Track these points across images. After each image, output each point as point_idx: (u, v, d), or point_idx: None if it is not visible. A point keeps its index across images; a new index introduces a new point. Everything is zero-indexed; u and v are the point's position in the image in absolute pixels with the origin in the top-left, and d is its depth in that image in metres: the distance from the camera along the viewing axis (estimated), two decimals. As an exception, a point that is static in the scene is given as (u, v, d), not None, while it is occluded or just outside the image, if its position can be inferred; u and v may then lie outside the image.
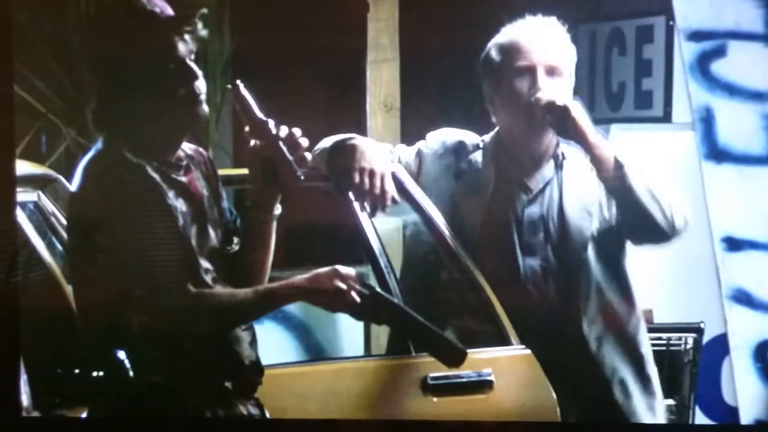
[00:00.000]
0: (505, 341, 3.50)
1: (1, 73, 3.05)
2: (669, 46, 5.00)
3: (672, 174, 4.76)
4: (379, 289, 3.03)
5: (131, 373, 2.79)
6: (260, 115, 2.93)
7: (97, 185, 2.84)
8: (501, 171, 3.64)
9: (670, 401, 4.29)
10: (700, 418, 4.64)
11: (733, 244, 4.65)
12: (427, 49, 5.33)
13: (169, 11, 2.90)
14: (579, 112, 3.51)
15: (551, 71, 3.58)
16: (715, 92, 4.67)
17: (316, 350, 4.97)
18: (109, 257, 2.77)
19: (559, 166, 3.64)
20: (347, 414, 3.26)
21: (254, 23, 5.20)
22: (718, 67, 4.65)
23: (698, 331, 4.37)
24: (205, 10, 2.92)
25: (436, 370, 3.31)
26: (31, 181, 3.63)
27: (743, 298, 4.64)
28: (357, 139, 3.52)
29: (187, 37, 2.88)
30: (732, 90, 4.65)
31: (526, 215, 3.60)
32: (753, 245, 4.64)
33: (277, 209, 2.98)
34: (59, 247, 3.55)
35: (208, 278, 2.88)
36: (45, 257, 3.41)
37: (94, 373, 2.87)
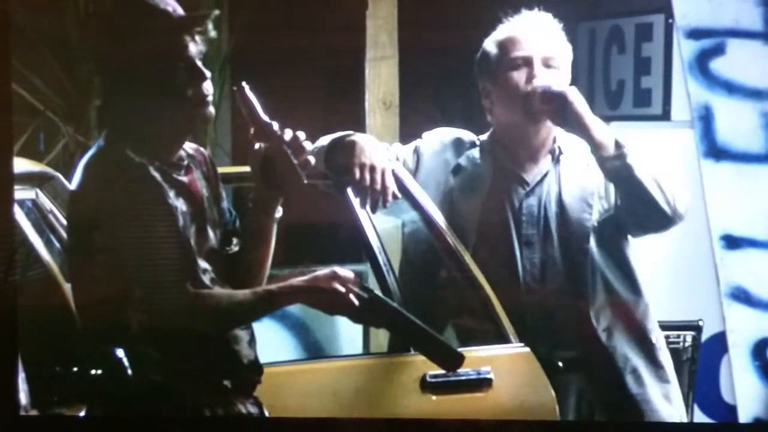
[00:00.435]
0: (504, 339, 3.50)
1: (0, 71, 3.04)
2: (668, 44, 4.99)
3: (671, 172, 4.78)
4: (377, 292, 3.03)
5: (130, 372, 2.79)
6: (265, 117, 2.92)
7: (98, 183, 2.83)
8: (498, 166, 3.64)
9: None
10: (699, 416, 4.64)
11: (732, 242, 4.65)
12: (426, 47, 5.33)
13: (181, 11, 2.89)
14: (577, 98, 3.52)
15: (548, 62, 3.59)
16: (714, 90, 4.67)
17: (315, 348, 4.97)
18: (108, 256, 2.77)
19: (556, 160, 3.64)
20: (346, 412, 3.26)
21: (252, 21, 5.19)
22: (717, 65, 4.65)
23: (697, 329, 4.37)
24: (217, 12, 2.91)
25: (435, 369, 3.31)
26: (29, 179, 3.62)
27: (742, 296, 4.64)
28: (356, 136, 3.51)
29: (197, 38, 2.88)
30: (731, 88, 4.65)
31: (524, 208, 3.60)
32: (752, 243, 4.64)
33: (278, 212, 2.98)
34: (57, 245, 3.54)
35: (207, 279, 2.88)
36: (43, 255, 3.40)
37: (93, 372, 2.87)
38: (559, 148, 3.65)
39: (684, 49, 4.69)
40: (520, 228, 3.59)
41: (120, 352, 2.79)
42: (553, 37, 3.63)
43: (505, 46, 3.61)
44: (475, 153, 3.67)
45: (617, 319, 3.57)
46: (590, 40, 5.31)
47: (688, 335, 4.26)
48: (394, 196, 3.45)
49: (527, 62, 3.58)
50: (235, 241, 3.00)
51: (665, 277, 4.75)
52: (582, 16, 5.28)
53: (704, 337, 4.41)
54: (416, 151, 3.68)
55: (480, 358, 3.44)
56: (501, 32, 3.65)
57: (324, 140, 3.52)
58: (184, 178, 2.91)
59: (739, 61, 4.63)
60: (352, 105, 5.10)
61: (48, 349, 3.04)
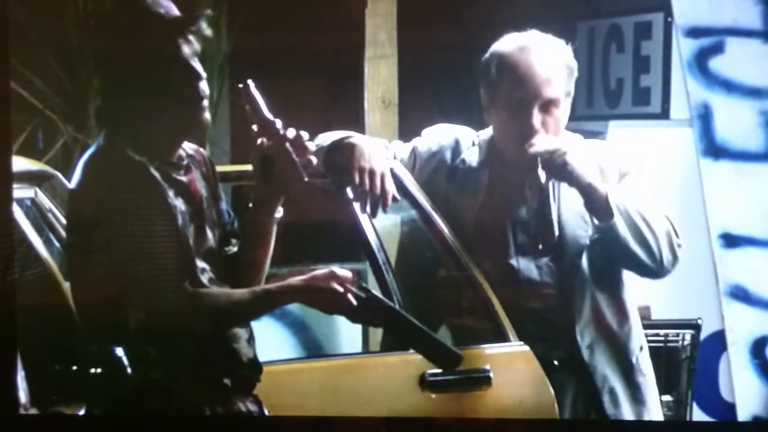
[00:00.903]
0: (503, 338, 3.50)
1: (-2, 69, 3.04)
2: (667, 43, 5.00)
3: (670, 170, 4.79)
4: (375, 292, 3.03)
5: (129, 371, 2.79)
6: (269, 114, 2.92)
7: (97, 182, 2.84)
8: (494, 171, 3.60)
9: (668, 397, 4.29)
10: (698, 415, 4.64)
11: (731, 241, 4.65)
12: (426, 46, 5.33)
13: (175, 12, 2.90)
14: (572, 158, 3.44)
15: (547, 106, 3.49)
16: (713, 89, 4.66)
17: (314, 347, 4.97)
18: (107, 254, 2.77)
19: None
20: (346, 410, 3.26)
21: (252, 19, 5.19)
22: (716, 64, 4.65)
23: (696, 327, 4.38)
24: (209, 12, 2.92)
25: (435, 367, 3.31)
26: (29, 178, 3.62)
27: (741, 295, 4.64)
28: (354, 138, 3.48)
29: (191, 38, 2.88)
30: (730, 86, 4.65)
31: (520, 215, 3.57)
32: (750, 242, 4.64)
33: (279, 212, 2.98)
34: (56, 244, 3.54)
35: (205, 278, 2.88)
36: (42, 254, 3.40)
37: (92, 371, 2.87)
38: None
39: (683, 48, 4.68)
40: (516, 236, 3.57)
41: (119, 351, 2.79)
42: (557, 73, 3.51)
43: (505, 79, 3.51)
44: (473, 155, 3.63)
45: (600, 338, 3.56)
46: (589, 39, 5.32)
47: (687, 334, 4.27)
48: (394, 199, 3.43)
49: (523, 105, 3.49)
50: (233, 241, 3.01)
51: (664, 275, 4.75)
52: (581, 14, 5.29)
53: (703, 335, 4.42)
54: (414, 151, 3.66)
55: (479, 356, 3.44)
56: (505, 51, 3.53)
57: (323, 139, 3.51)
58: (184, 178, 2.91)
59: (738, 60, 4.63)
60: (351, 103, 5.10)
61: (47, 347, 3.04)
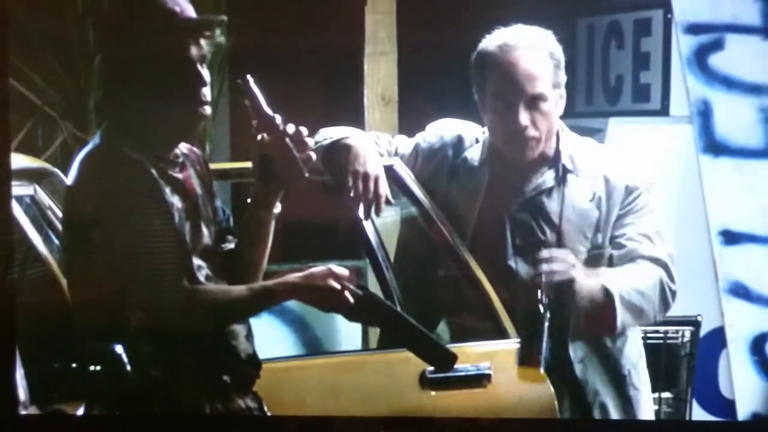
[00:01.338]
0: (503, 335, 3.49)
1: (-2, 66, 3.04)
2: (667, 40, 4.99)
3: (669, 167, 4.79)
4: (373, 290, 3.02)
5: (128, 368, 2.79)
6: (269, 110, 2.92)
7: (93, 178, 2.83)
8: (495, 170, 3.59)
9: (668, 394, 4.30)
10: (697, 411, 4.64)
11: (731, 238, 4.66)
12: (425, 43, 5.32)
13: (190, 12, 2.88)
14: (579, 280, 3.45)
15: (533, 102, 3.47)
16: (712, 85, 4.67)
17: (314, 344, 4.97)
18: (104, 251, 2.77)
19: (560, 179, 3.57)
20: (345, 408, 3.26)
21: (251, 16, 5.19)
22: (715, 61, 4.65)
23: (695, 324, 4.37)
24: (224, 18, 2.90)
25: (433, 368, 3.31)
26: (28, 175, 3.62)
27: (740, 292, 4.64)
28: (351, 138, 3.48)
29: (202, 41, 2.87)
30: (729, 83, 4.65)
31: (520, 217, 3.56)
32: (750, 238, 4.64)
33: (277, 208, 2.98)
34: (56, 241, 3.54)
35: (201, 276, 2.88)
36: (41, 251, 3.40)
37: (92, 368, 2.86)
38: (563, 166, 3.57)
39: (683, 45, 4.69)
40: (515, 234, 3.56)
41: (118, 348, 2.79)
42: (540, 66, 3.48)
43: (487, 78, 3.50)
44: (475, 152, 3.61)
45: (592, 352, 3.56)
46: (589, 36, 5.31)
47: (687, 330, 4.27)
48: (388, 202, 3.43)
49: (509, 104, 3.47)
50: (229, 238, 3.00)
51: (664, 272, 4.75)
52: (581, 11, 5.29)
53: (703, 332, 4.42)
54: (416, 148, 3.65)
55: (479, 353, 3.44)
56: (486, 53, 3.51)
57: (324, 134, 3.50)
58: (179, 175, 2.91)
59: (738, 57, 4.63)
60: (351, 100, 5.10)
61: (46, 345, 3.04)
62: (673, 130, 4.89)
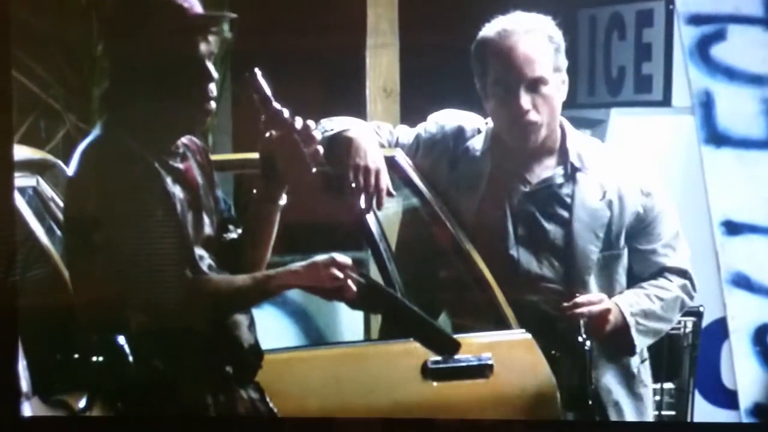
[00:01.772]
0: (505, 326, 3.50)
1: (0, 58, 3.04)
2: (669, 31, 4.99)
3: (671, 158, 4.79)
4: (375, 279, 3.03)
5: (130, 358, 2.79)
6: (276, 104, 2.91)
7: (95, 169, 2.84)
8: (498, 160, 3.58)
9: (670, 385, 4.30)
10: (700, 402, 4.64)
11: (733, 228, 4.66)
12: (427, 35, 5.32)
13: (198, 9, 2.89)
14: (613, 319, 3.52)
15: (534, 85, 3.47)
16: (714, 76, 4.67)
17: (316, 335, 4.98)
18: (107, 242, 2.77)
19: (569, 177, 3.56)
20: (347, 399, 3.26)
21: (254, 10, 5.19)
22: (717, 51, 4.66)
23: (697, 314, 4.37)
24: (233, 14, 2.90)
25: (436, 355, 3.31)
26: (30, 167, 3.62)
27: (742, 282, 4.65)
28: (352, 131, 3.47)
29: (210, 38, 2.87)
30: (732, 74, 4.65)
31: (523, 208, 3.55)
32: (752, 229, 4.65)
33: (283, 199, 2.98)
34: (58, 232, 3.55)
35: (204, 265, 2.88)
36: (44, 243, 3.40)
37: (94, 359, 2.87)
38: (572, 164, 3.55)
39: (685, 36, 4.69)
40: (517, 225, 3.56)
41: (121, 339, 2.80)
42: (539, 50, 3.48)
43: (488, 65, 3.50)
44: (477, 143, 3.60)
45: (601, 352, 3.56)
46: (591, 27, 5.30)
47: (689, 321, 4.26)
48: (389, 194, 3.43)
49: (510, 89, 3.47)
50: (231, 228, 3.00)
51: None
52: (583, 2, 5.28)
53: (705, 323, 4.42)
54: (417, 138, 3.65)
55: (481, 344, 3.44)
56: (485, 41, 3.51)
57: (326, 125, 3.50)
58: (181, 165, 2.91)
59: (740, 47, 4.64)
60: (353, 92, 5.10)
61: (48, 336, 3.04)
62: (675, 121, 4.89)
